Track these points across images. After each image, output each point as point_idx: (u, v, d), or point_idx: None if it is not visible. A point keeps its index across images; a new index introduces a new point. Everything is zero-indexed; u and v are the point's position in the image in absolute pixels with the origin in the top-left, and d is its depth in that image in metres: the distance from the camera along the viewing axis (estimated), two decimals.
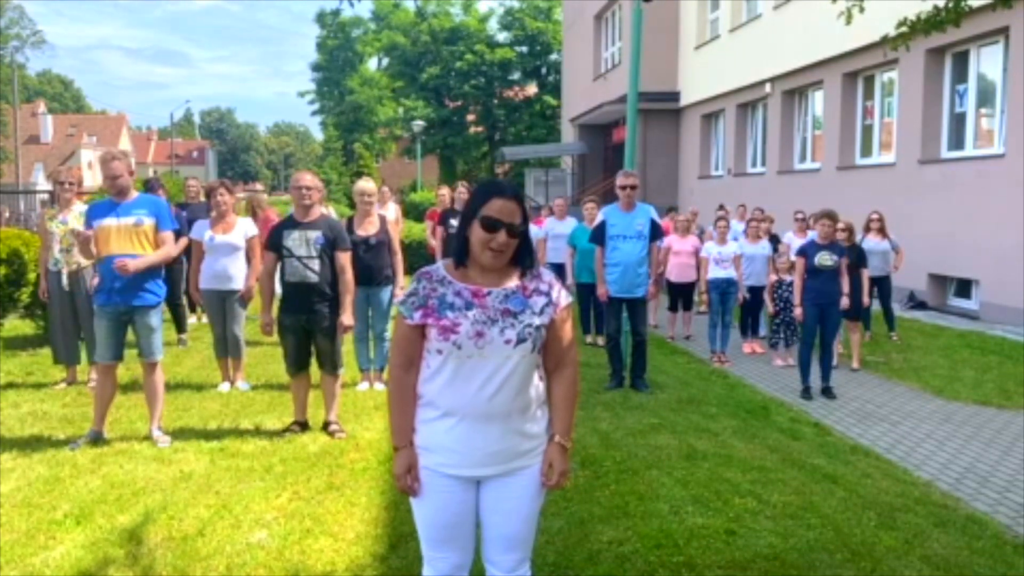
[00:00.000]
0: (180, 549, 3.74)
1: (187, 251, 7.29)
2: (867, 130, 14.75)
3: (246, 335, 7.26)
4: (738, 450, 5.36)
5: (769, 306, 8.67)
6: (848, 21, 5.55)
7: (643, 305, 7.15)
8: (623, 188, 7.01)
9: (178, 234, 8.18)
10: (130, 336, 5.36)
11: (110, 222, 5.13)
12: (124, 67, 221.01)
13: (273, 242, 5.48)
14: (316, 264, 5.39)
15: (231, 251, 6.87)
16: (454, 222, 8.49)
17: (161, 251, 5.25)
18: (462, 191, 10.15)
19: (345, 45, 48.93)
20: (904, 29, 5.43)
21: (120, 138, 69.05)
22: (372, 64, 51.59)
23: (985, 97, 11.92)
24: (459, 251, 2.47)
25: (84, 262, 6.45)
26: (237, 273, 6.91)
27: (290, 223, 5.50)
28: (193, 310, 10.10)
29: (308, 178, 5.56)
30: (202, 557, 3.67)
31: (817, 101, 16.31)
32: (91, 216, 5.24)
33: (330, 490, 4.48)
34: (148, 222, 5.20)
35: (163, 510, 4.17)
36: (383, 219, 6.95)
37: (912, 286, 12.34)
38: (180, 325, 9.02)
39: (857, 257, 8.12)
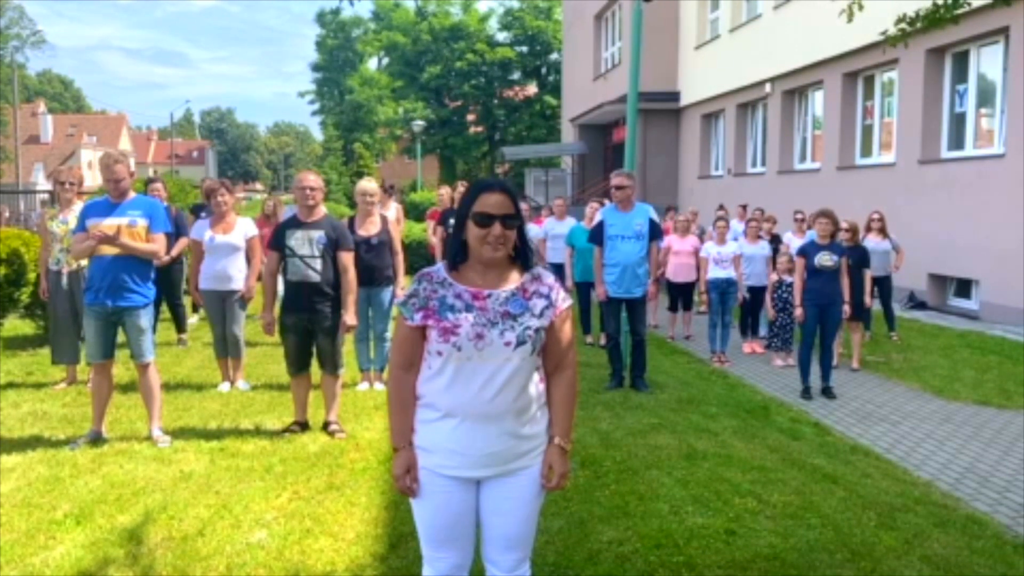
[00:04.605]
0: (180, 549, 3.74)
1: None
2: (867, 130, 14.75)
3: (246, 335, 7.27)
4: (738, 450, 5.36)
5: (770, 310, 8.66)
6: (849, 19, 5.55)
7: (642, 305, 7.14)
8: (613, 188, 7.02)
9: (178, 235, 8.24)
10: (124, 337, 5.35)
11: (104, 221, 5.12)
12: (124, 67, 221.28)
13: (276, 242, 5.49)
14: (318, 264, 5.39)
15: (231, 251, 6.87)
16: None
17: (148, 244, 5.21)
18: (462, 191, 10.15)
19: (345, 45, 48.96)
20: (903, 26, 5.43)
21: (120, 138, 69.08)
22: (372, 64, 51.61)
23: (985, 97, 11.91)
24: (454, 254, 2.47)
25: (84, 262, 6.44)
26: (237, 273, 6.91)
27: (293, 223, 5.51)
28: (195, 310, 10.10)
29: (312, 178, 5.57)
30: (202, 557, 3.67)
31: (817, 101, 16.31)
32: (86, 215, 5.24)
33: (330, 490, 4.48)
34: (142, 223, 5.19)
35: (163, 510, 4.17)
36: (384, 219, 6.94)
37: (912, 286, 12.34)
38: (180, 325, 9.02)
39: (860, 257, 8.12)
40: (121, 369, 6.59)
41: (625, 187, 6.96)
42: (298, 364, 5.57)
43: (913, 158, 12.71)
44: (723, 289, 8.81)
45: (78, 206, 6.72)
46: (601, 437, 5.54)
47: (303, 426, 5.61)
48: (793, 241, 9.47)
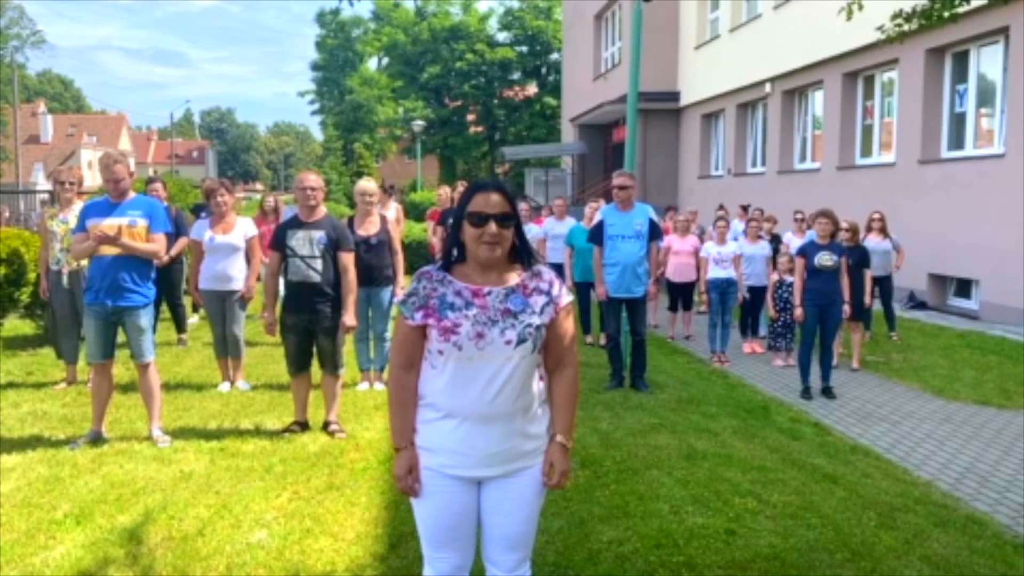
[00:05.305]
0: (180, 549, 3.74)
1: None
2: (867, 130, 14.75)
3: (246, 335, 7.27)
4: (738, 450, 5.36)
5: (771, 309, 8.66)
6: (848, 17, 5.57)
7: (642, 305, 7.15)
8: (615, 188, 7.03)
9: (178, 235, 8.23)
10: (124, 337, 5.35)
11: (104, 221, 5.12)
12: (124, 67, 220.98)
13: (277, 242, 5.49)
14: (319, 264, 5.39)
15: (231, 252, 6.87)
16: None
17: (149, 244, 5.22)
18: (462, 191, 10.15)
19: (345, 45, 48.95)
20: (899, 21, 5.45)
21: (120, 138, 69.06)
22: (372, 64, 51.62)
23: (985, 97, 11.91)
24: (448, 255, 2.48)
25: (84, 262, 6.44)
26: (237, 274, 6.91)
27: (294, 223, 5.52)
28: (195, 310, 10.10)
29: (313, 178, 5.58)
30: (202, 557, 3.67)
31: (817, 101, 16.31)
32: (86, 215, 5.24)
33: (330, 490, 4.48)
34: (142, 223, 5.19)
35: (163, 510, 4.17)
36: (384, 219, 6.95)
37: (912, 286, 12.34)
38: (180, 325, 9.02)
39: (860, 257, 8.12)
40: (121, 369, 6.59)
41: (628, 187, 6.98)
42: (298, 364, 5.57)
43: (913, 158, 12.71)
44: (723, 289, 8.81)
45: (78, 206, 6.72)
46: (601, 437, 5.54)
47: (303, 426, 5.61)
48: (793, 241, 9.47)
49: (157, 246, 5.26)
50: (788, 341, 8.62)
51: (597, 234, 7.11)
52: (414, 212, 24.26)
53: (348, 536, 3.89)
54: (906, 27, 5.59)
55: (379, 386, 6.87)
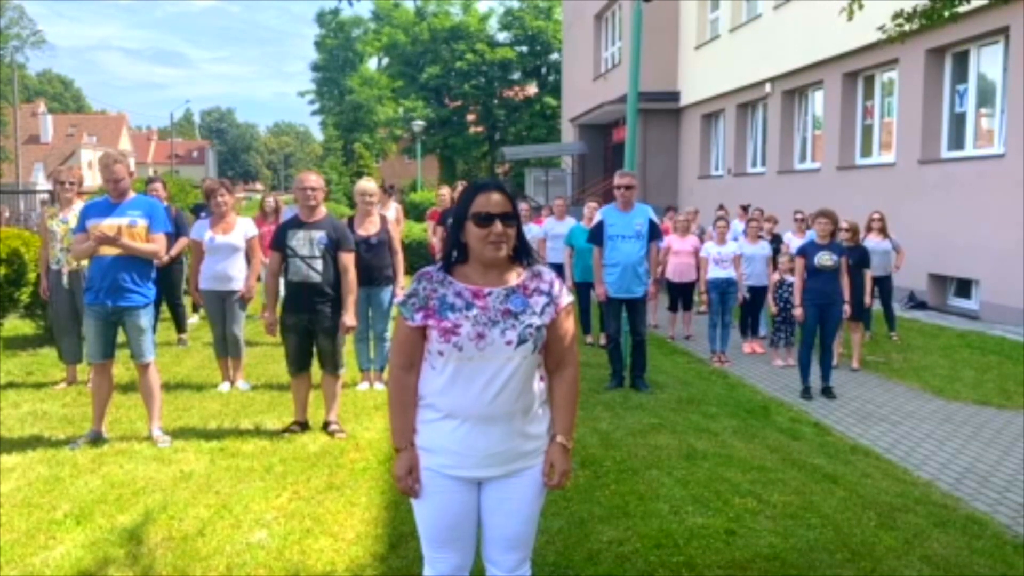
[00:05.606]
0: (180, 549, 3.74)
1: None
2: (867, 130, 14.75)
3: (246, 335, 7.27)
4: (738, 450, 5.36)
5: (772, 306, 8.67)
6: (850, 17, 5.57)
7: (643, 305, 7.15)
8: (618, 188, 7.03)
9: (178, 235, 8.23)
10: (124, 337, 5.35)
11: (104, 222, 5.13)
12: (124, 67, 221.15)
13: (277, 242, 5.50)
14: (319, 264, 5.40)
15: (231, 252, 6.87)
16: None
17: (149, 245, 5.22)
18: (461, 191, 10.15)
19: (345, 45, 48.98)
20: (900, 21, 5.46)
21: (120, 138, 69.06)
22: (372, 64, 51.65)
23: (985, 97, 11.91)
24: (448, 255, 2.48)
25: (85, 262, 6.44)
26: (237, 274, 6.91)
27: (294, 223, 5.52)
28: (195, 310, 10.10)
29: (313, 178, 5.58)
30: (202, 557, 3.67)
31: (817, 101, 16.31)
32: (86, 215, 5.24)
33: (330, 490, 4.48)
34: (142, 223, 5.19)
35: (163, 510, 4.17)
36: (384, 219, 6.95)
37: (912, 286, 12.34)
38: (180, 325, 9.02)
39: (860, 257, 8.12)
40: (121, 369, 6.59)
41: (633, 187, 7.01)
42: (298, 364, 5.58)
43: (913, 158, 12.71)
44: (723, 289, 8.81)
45: (78, 206, 6.72)
46: (601, 437, 5.54)
47: (303, 426, 5.61)
48: (793, 241, 9.47)
49: (157, 246, 5.26)
50: (788, 336, 8.61)
51: (597, 234, 7.11)
52: (414, 212, 24.25)
53: (348, 536, 3.89)
54: (907, 27, 5.60)
55: (379, 386, 6.87)
